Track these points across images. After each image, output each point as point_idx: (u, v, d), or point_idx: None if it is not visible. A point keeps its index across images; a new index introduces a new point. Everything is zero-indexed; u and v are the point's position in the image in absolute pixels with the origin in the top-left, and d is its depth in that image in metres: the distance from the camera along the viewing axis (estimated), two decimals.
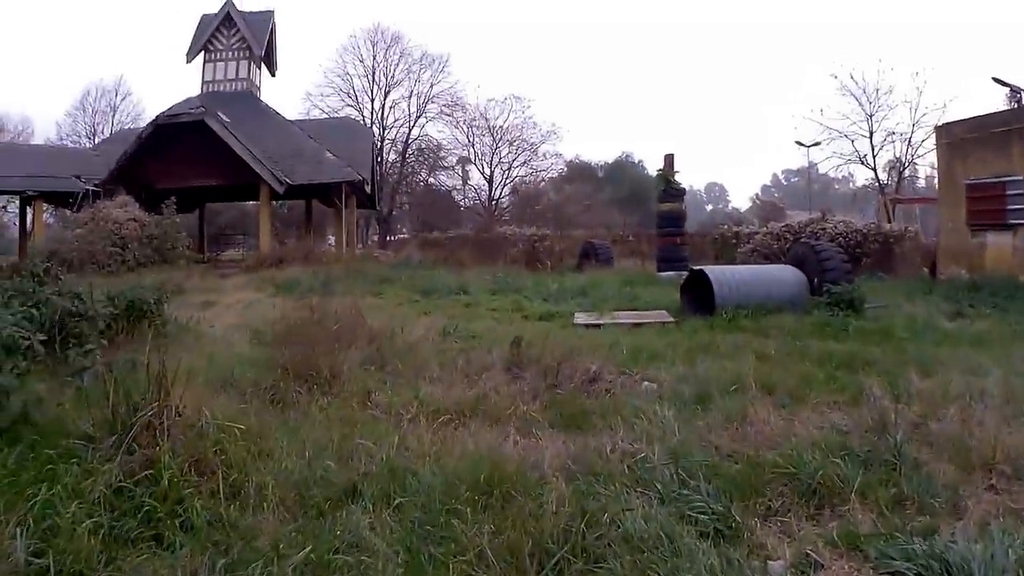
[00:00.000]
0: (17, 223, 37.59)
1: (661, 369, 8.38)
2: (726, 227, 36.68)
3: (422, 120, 59.93)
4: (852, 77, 44.77)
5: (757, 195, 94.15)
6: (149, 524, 4.12)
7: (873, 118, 45.02)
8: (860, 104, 45.03)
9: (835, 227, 26.40)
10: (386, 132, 59.12)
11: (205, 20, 36.99)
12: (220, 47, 36.53)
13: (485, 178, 63.33)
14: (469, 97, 62.58)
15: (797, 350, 9.36)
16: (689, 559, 3.79)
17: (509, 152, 62.40)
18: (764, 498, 4.63)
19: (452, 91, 59.77)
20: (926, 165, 47.54)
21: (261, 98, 37.53)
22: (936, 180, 28.81)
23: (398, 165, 60.23)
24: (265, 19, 38.06)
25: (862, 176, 64.15)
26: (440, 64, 59.62)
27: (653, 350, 9.43)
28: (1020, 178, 19.72)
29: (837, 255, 14.71)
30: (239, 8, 36.68)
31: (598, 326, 12.21)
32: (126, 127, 50.45)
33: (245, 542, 4.00)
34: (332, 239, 41.45)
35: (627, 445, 5.54)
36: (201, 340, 10.30)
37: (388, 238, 58.18)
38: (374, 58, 58.94)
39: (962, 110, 69.81)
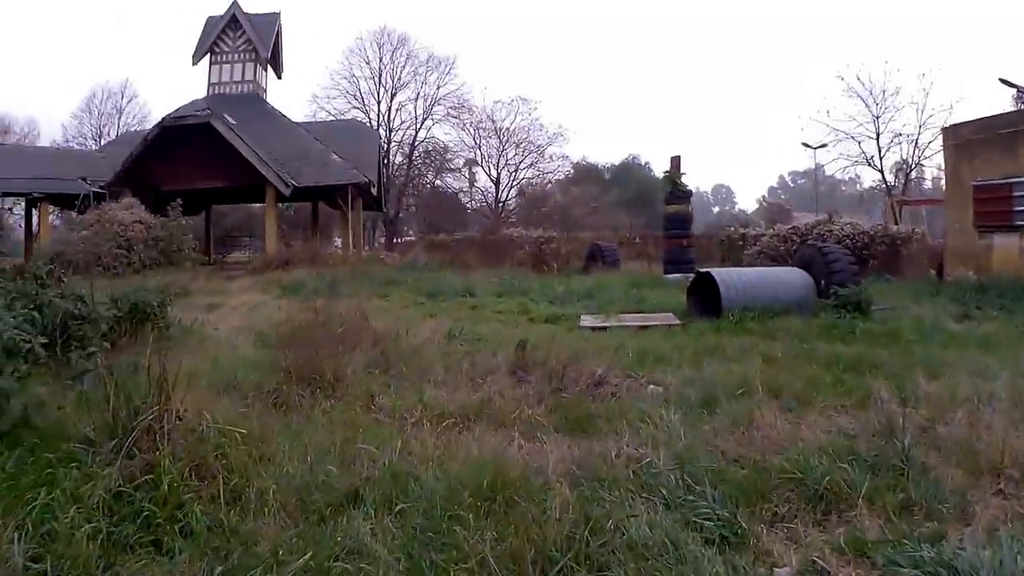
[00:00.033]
0: (23, 225, 37.52)
1: (667, 372, 8.33)
2: (733, 229, 36.61)
3: (428, 122, 60.22)
4: (859, 78, 44.69)
5: (764, 197, 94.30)
6: (148, 529, 4.08)
7: (880, 119, 44.96)
8: (867, 105, 44.96)
9: (842, 229, 26.28)
10: (392, 134, 59.30)
11: (211, 22, 37.06)
12: (226, 49, 36.59)
13: (492, 180, 63.59)
14: (476, 99, 62.83)
15: (804, 353, 9.30)
16: (694, 567, 3.73)
17: (516, 154, 62.67)
18: (770, 504, 4.57)
19: (459, 93, 60.01)
20: (933, 167, 47.66)
21: (267, 100, 37.60)
22: (943, 182, 28.74)
23: (405, 167, 60.35)
24: (271, 21, 38.12)
25: (869, 178, 64.29)
26: (447, 66, 59.81)
27: (659, 353, 9.38)
28: None
29: (844, 257, 14.64)
30: (245, 10, 36.75)
31: (604, 329, 12.14)
32: (132, 129, 50.66)
33: (245, 548, 3.96)
34: (339, 241, 41.49)
35: (632, 450, 5.48)
36: (205, 343, 10.27)
37: (395, 240, 58.18)
38: (380, 60, 59.15)
39: (969, 111, 69.61)
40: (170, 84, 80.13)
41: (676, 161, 25.33)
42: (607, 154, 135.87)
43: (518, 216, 57.42)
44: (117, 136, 49.92)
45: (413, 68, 59.47)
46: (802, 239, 24.85)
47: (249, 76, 36.58)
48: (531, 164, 63.34)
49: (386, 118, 59.02)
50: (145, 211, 26.62)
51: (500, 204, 62.86)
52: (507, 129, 62.02)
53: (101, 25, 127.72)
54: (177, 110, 30.78)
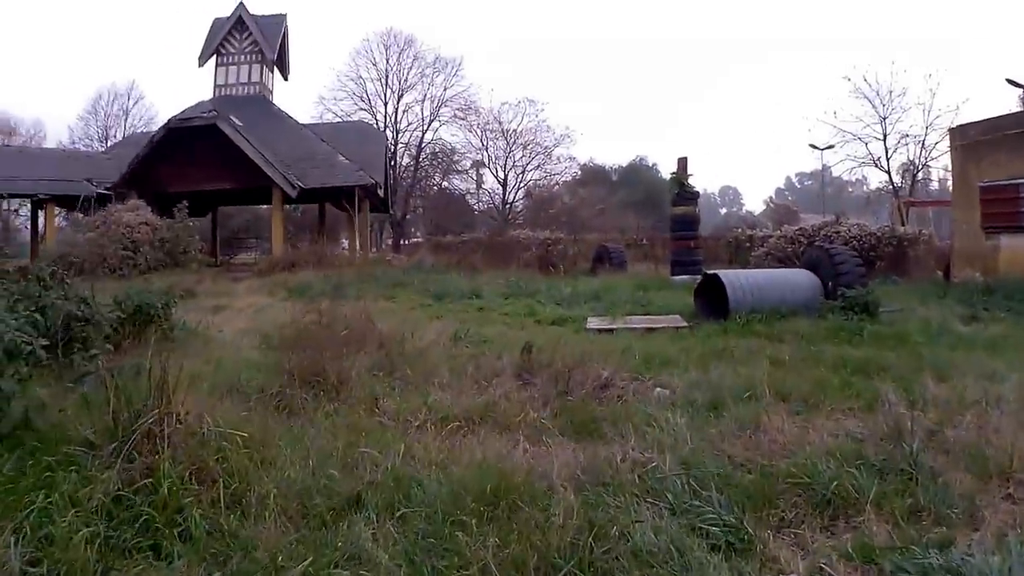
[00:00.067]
0: (29, 226, 37.59)
1: (674, 375, 8.25)
2: (740, 230, 36.65)
3: (435, 124, 60.12)
4: (865, 79, 44.72)
5: (771, 198, 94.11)
6: (147, 534, 4.04)
7: (887, 121, 44.99)
8: (874, 106, 45.02)
9: (849, 230, 26.20)
10: (399, 136, 59.32)
11: (217, 24, 37.14)
12: (232, 51, 36.68)
13: (499, 181, 63.56)
14: (483, 100, 62.63)
15: (811, 355, 9.22)
16: (699, 574, 3.68)
17: (523, 156, 62.60)
18: (777, 509, 4.50)
19: (466, 95, 59.98)
20: (939, 168, 47.41)
21: (273, 102, 37.66)
22: (950, 183, 28.66)
23: (412, 169, 60.32)
24: (277, 22, 38.19)
25: (876, 179, 64.14)
26: (453, 68, 59.82)
27: (666, 355, 9.31)
28: None
29: (851, 259, 14.55)
30: (251, 12, 36.79)
31: (611, 331, 12.10)
32: (138, 131, 50.96)
33: (244, 553, 3.92)
34: (346, 243, 41.49)
35: (638, 454, 5.41)
36: (209, 345, 10.23)
37: (402, 242, 58.22)
38: (387, 61, 59.17)
39: (975, 112, 69.47)
40: (176, 86, 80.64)
41: (683, 162, 25.20)
42: (614, 155, 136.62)
43: (525, 218, 57.35)
44: (123, 138, 50.08)
45: (420, 69, 59.58)
46: (809, 241, 24.80)
47: (255, 78, 36.68)
48: (538, 166, 63.39)
49: (393, 119, 59.18)
50: (151, 213, 26.64)
51: (507, 206, 62.84)
52: (514, 130, 62.06)
53: (108, 27, 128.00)
54: (183, 112, 30.87)
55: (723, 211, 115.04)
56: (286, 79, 40.65)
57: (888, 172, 46.87)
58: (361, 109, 58.34)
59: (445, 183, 64.82)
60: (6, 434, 5.10)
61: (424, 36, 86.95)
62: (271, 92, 37.94)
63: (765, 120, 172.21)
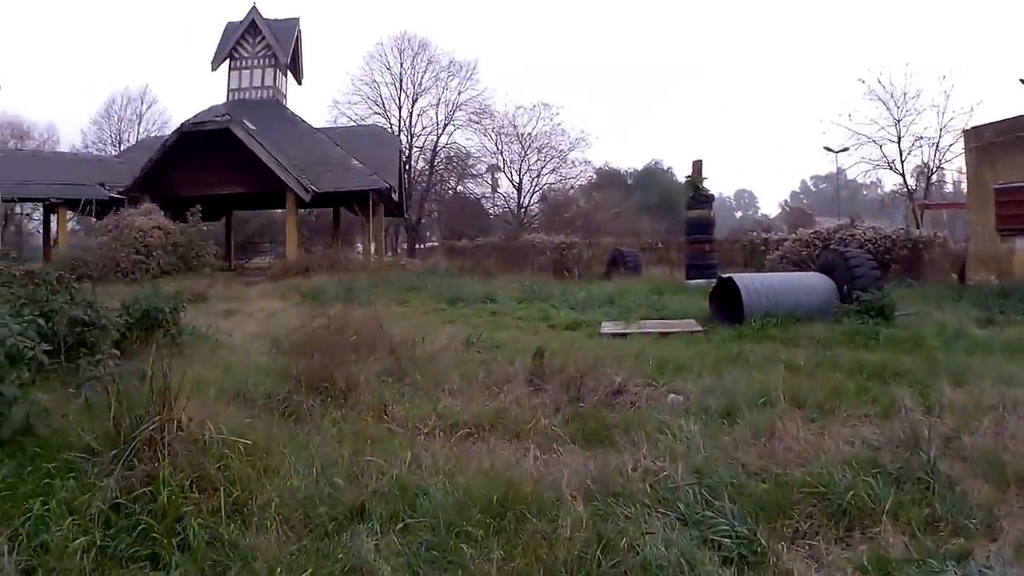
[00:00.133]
0: (41, 231, 37.69)
1: (688, 380, 8.14)
2: (755, 234, 36.51)
3: (450, 128, 60.00)
4: (880, 81, 44.38)
5: (786, 201, 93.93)
6: (145, 542, 3.99)
7: (901, 123, 44.60)
8: (888, 109, 44.64)
9: (864, 233, 26.05)
10: (414, 140, 59.27)
11: (230, 28, 37.21)
12: (245, 55, 36.75)
13: (514, 186, 63.40)
14: (498, 104, 62.55)
15: (827, 360, 9.10)
16: None
17: (538, 159, 62.50)
18: (791, 520, 4.41)
19: (480, 98, 59.77)
20: (954, 170, 47.19)
21: (287, 106, 37.68)
22: (964, 185, 28.49)
23: (427, 173, 60.30)
24: (290, 26, 38.25)
25: (890, 181, 63.81)
26: (468, 71, 59.65)
27: (680, 361, 9.20)
28: None
29: (867, 262, 14.43)
30: (264, 16, 36.85)
31: (624, 335, 12.01)
32: (152, 135, 51.03)
33: (244, 563, 3.85)
34: (360, 247, 41.50)
35: (650, 462, 5.30)
36: (218, 350, 10.17)
37: (417, 246, 58.20)
38: (401, 65, 59.04)
39: (990, 113, 69.14)
40: (190, 90, 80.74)
41: (698, 165, 25.08)
42: (630, 159, 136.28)
43: (540, 222, 57.26)
44: (136, 142, 50.10)
45: (434, 73, 59.44)
46: (824, 244, 24.66)
47: (268, 82, 36.71)
48: (553, 169, 63.31)
49: (407, 124, 59.05)
50: (164, 217, 26.68)
51: (522, 210, 62.76)
52: (529, 134, 61.88)
53: (121, 31, 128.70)
54: (196, 116, 30.95)
55: (738, 214, 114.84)
56: (300, 83, 40.78)
57: (903, 174, 46.58)
58: (375, 113, 58.36)
59: (460, 187, 64.80)
60: (7, 439, 5.07)
61: (438, 40, 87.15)
62: (285, 96, 38.00)
63: (780, 123, 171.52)
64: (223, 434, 4.93)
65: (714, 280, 16.07)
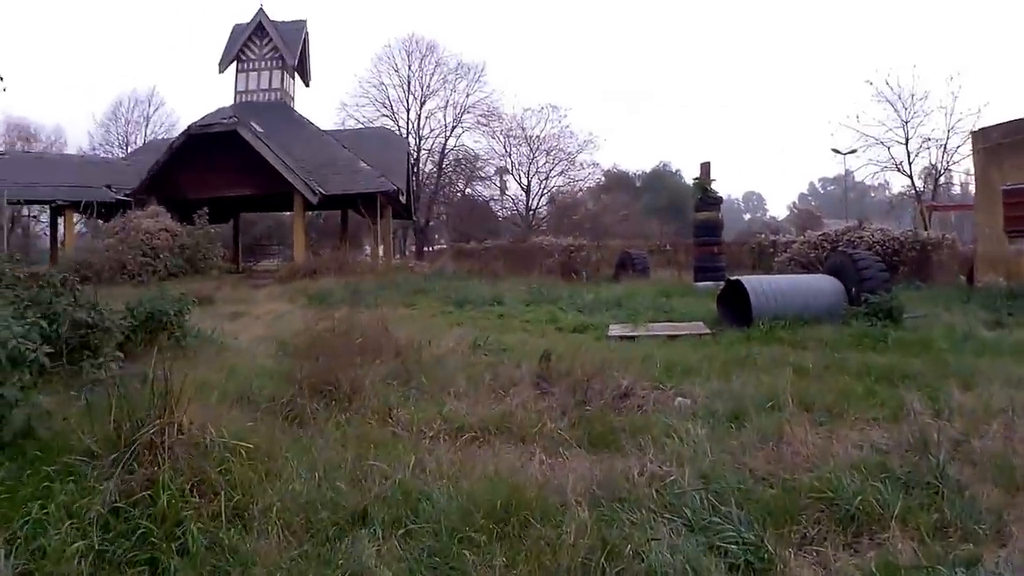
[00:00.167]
0: (48, 233, 37.77)
1: (695, 384, 8.08)
2: (763, 236, 36.39)
3: (458, 130, 59.79)
4: (887, 83, 44.28)
5: (794, 203, 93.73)
6: (144, 547, 3.94)
7: (908, 124, 44.54)
8: (896, 110, 44.58)
9: (872, 235, 26.01)
10: (422, 142, 59.11)
11: (237, 30, 37.21)
12: (252, 57, 36.72)
13: (522, 188, 63.32)
14: (506, 107, 62.62)
15: (835, 363, 9.05)
16: None
17: (546, 162, 62.36)
18: (799, 525, 4.36)
19: (488, 101, 59.52)
20: (962, 171, 47.08)
21: (295, 108, 37.67)
22: (972, 186, 28.38)
23: (435, 175, 60.22)
24: (298, 28, 38.23)
25: (898, 183, 63.53)
26: (476, 74, 59.49)
27: (688, 364, 9.15)
28: None
29: (875, 264, 14.37)
30: (271, 18, 36.84)
31: (632, 338, 11.93)
32: (159, 137, 50.96)
33: (244, 569, 3.81)
34: (368, 249, 41.47)
35: (656, 467, 5.25)
36: (223, 352, 10.11)
37: (425, 248, 58.12)
38: (409, 68, 58.91)
39: (998, 115, 69.04)
40: (197, 92, 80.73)
41: (706, 167, 25.01)
42: (638, 161, 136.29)
43: (549, 224, 57.25)
44: (143, 144, 50.12)
45: (442, 75, 59.29)
46: (832, 246, 24.61)
47: (276, 84, 36.69)
48: (562, 172, 63.14)
49: (415, 126, 58.92)
50: (171, 219, 26.68)
51: (531, 212, 62.70)
52: (537, 137, 61.78)
53: (128, 33, 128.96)
54: (203, 118, 30.92)
55: (747, 216, 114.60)
56: (307, 86, 40.72)
57: (910, 176, 46.47)
58: (383, 115, 58.21)
59: (468, 189, 64.68)
60: (7, 442, 5.07)
61: (446, 42, 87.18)
62: (292, 98, 37.99)
63: (789, 125, 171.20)
64: (225, 438, 4.90)
65: (722, 282, 16.00)
